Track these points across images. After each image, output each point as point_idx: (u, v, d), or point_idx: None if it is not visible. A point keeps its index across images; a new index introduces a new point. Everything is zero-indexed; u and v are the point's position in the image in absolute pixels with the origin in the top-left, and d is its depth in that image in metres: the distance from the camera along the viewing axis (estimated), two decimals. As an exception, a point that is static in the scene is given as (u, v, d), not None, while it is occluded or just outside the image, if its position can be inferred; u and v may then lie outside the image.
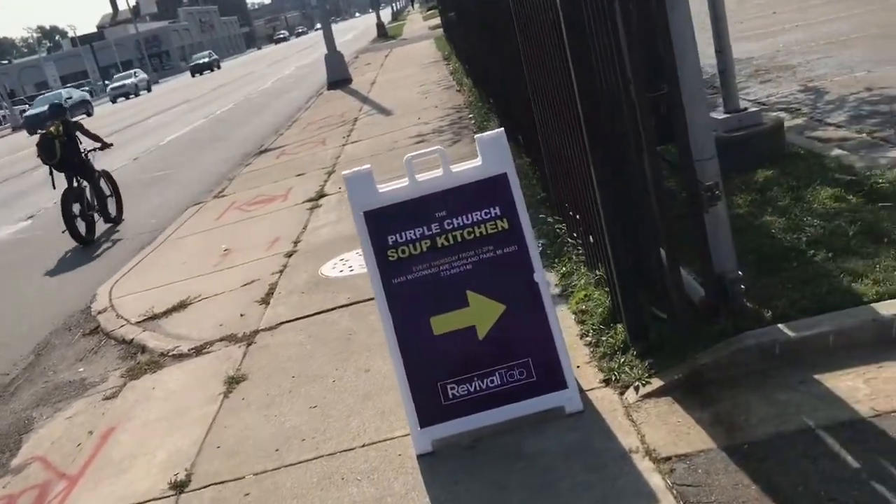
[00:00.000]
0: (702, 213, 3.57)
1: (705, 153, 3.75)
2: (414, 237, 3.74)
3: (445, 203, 3.74)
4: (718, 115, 6.15)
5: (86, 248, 10.64)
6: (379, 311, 3.74)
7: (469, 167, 3.77)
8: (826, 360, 3.53)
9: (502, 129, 3.86)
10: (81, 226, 10.77)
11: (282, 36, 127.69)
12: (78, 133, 11.10)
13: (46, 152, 10.86)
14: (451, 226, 3.73)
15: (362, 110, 17.09)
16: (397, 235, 3.74)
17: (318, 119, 17.62)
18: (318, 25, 27.57)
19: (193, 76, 69.82)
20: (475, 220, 3.73)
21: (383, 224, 3.74)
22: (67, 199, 10.60)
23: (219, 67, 72.30)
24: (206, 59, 73.94)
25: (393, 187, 3.78)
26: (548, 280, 5.24)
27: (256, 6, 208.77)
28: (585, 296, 4.64)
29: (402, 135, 12.52)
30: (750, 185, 5.47)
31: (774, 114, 7.84)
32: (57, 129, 10.88)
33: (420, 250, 3.73)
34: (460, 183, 3.75)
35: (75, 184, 10.95)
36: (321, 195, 9.69)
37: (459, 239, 3.73)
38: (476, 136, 3.81)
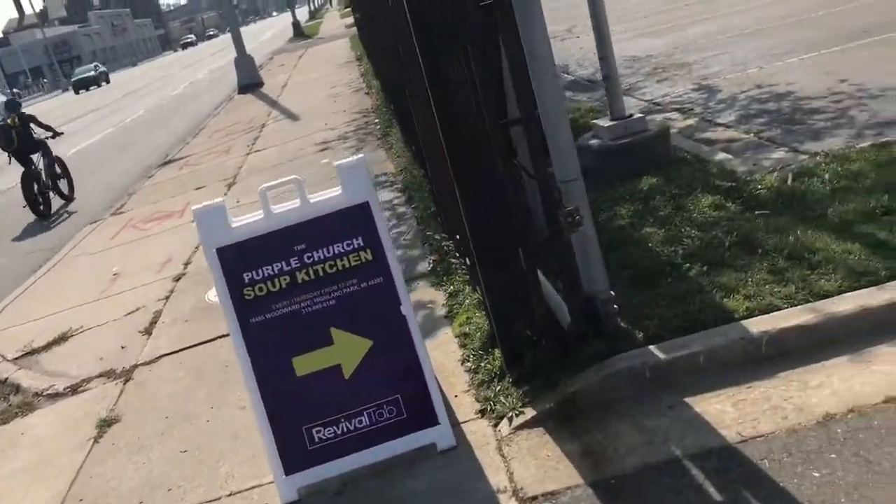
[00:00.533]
0: (563, 238, 3.46)
1: (569, 174, 3.64)
2: (272, 273, 3.54)
3: (304, 235, 3.55)
4: (605, 122, 6.11)
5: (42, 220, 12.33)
6: (237, 354, 3.53)
7: (328, 196, 3.59)
8: (696, 382, 3.47)
9: (363, 156, 3.69)
10: (39, 203, 12.44)
11: (189, 41, 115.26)
12: (32, 124, 12.78)
13: (5, 141, 12.54)
14: (311, 259, 3.55)
15: (271, 115, 16.71)
16: (254, 272, 3.53)
17: (226, 126, 17.16)
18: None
19: (77, 93, 57.69)
20: (337, 252, 3.56)
21: (238, 261, 3.53)
22: (27, 180, 12.31)
23: (107, 81, 61.71)
24: (92, 73, 61.41)
25: (247, 221, 3.57)
26: (435, 299, 5.13)
27: (172, 7, 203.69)
28: (467, 318, 4.52)
29: (308, 142, 12.25)
30: (634, 194, 5.43)
31: (665, 115, 7.89)
32: (13, 121, 12.53)
33: (279, 287, 3.53)
34: (319, 213, 3.56)
35: (32, 167, 12.56)
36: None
37: (321, 273, 3.54)
38: (336, 163, 3.63)
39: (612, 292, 3.85)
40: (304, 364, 3.52)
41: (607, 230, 5.04)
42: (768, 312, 3.66)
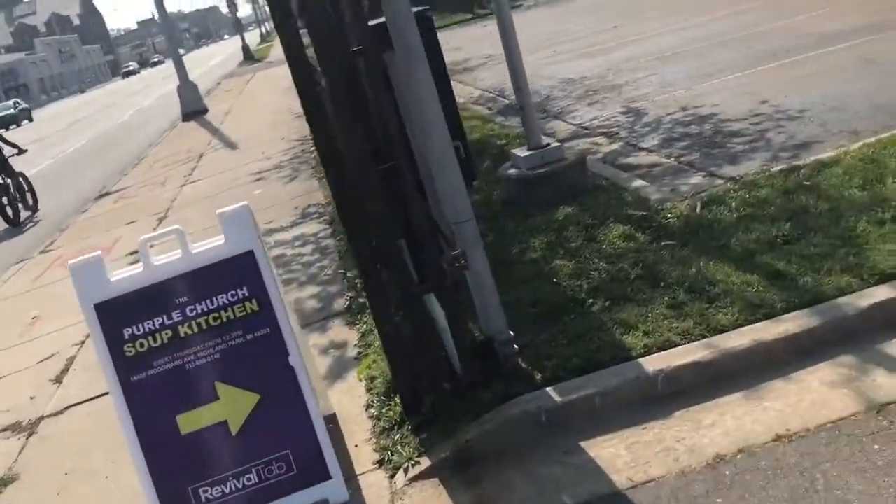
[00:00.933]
0: (447, 284, 3.39)
1: (461, 215, 3.58)
2: (153, 328, 3.40)
3: (186, 287, 3.42)
4: (522, 152, 6.07)
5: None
6: (117, 414, 3.38)
7: (211, 246, 3.47)
8: (592, 425, 3.41)
9: (246, 203, 3.58)
10: (9, 212, 13.45)
11: (130, 69, 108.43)
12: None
13: None
14: (194, 312, 3.42)
15: (210, 144, 16.50)
16: (134, 328, 3.39)
17: (166, 155, 16.90)
18: (181, 51, 26.17)
19: None
20: (221, 303, 3.43)
21: (117, 316, 3.39)
22: None
23: (30, 119, 53.24)
24: (11, 111, 51.98)
25: (126, 275, 3.44)
26: (348, 340, 5.02)
27: (122, 32, 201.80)
28: (374, 361, 4.42)
29: (244, 171, 12.09)
30: (549, 225, 5.38)
31: (592, 139, 7.91)
32: None
33: (161, 342, 3.40)
34: (202, 264, 3.44)
35: (1, 181, 13.39)
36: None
37: (204, 326, 3.42)
38: (217, 211, 3.52)
39: (511, 332, 3.79)
40: (189, 421, 3.38)
41: (520, 263, 4.99)
42: (665, 349, 3.62)
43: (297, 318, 5.44)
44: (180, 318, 3.41)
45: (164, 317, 3.40)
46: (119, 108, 40.29)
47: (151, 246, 3.53)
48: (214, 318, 3.42)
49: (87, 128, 34.11)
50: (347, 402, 4.25)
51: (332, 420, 4.16)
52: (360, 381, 4.38)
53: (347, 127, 3.29)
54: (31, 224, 13.76)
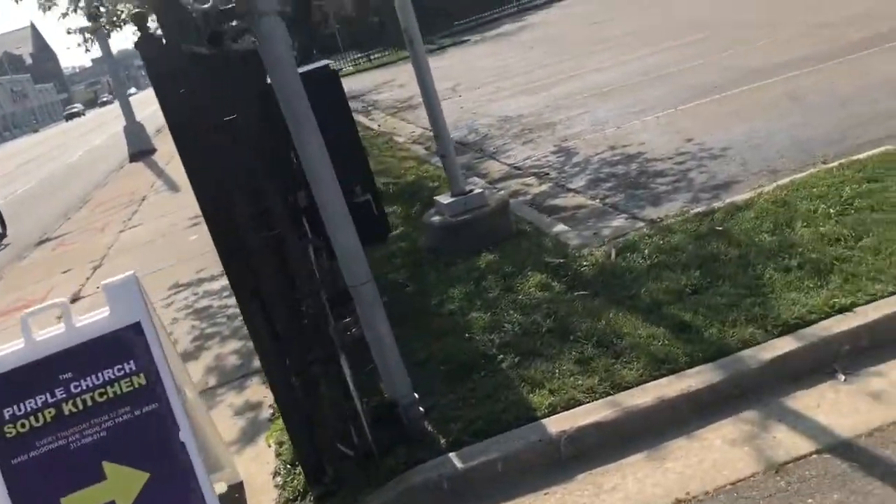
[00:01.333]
0: (336, 355, 3.31)
1: (359, 278, 3.51)
2: (35, 407, 3.25)
3: (70, 363, 3.29)
4: (445, 199, 6.03)
5: None
6: (-3, 500, 3.23)
7: (95, 319, 3.36)
8: (495, 490, 3.33)
9: (133, 272, 3.47)
10: None
11: (75, 110, 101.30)
12: None
13: None
14: (78, 389, 3.28)
15: (154, 187, 16.28)
16: (15, 407, 3.24)
17: (110, 198, 16.64)
18: (133, 90, 26.13)
19: None
20: (107, 379, 3.30)
21: (-3, 396, 3.25)
22: None
23: None
24: None
25: (6, 351, 3.29)
26: (263, 400, 4.89)
27: (77, 69, 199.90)
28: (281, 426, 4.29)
29: (183, 216, 11.90)
30: (470, 274, 5.33)
31: (523, 180, 7.91)
32: None
33: (44, 421, 3.25)
34: (86, 338, 3.31)
35: None
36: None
37: (90, 403, 3.28)
38: (102, 283, 3.41)
39: (415, 395, 3.70)
40: (75, 504, 3.24)
41: (438, 315, 4.92)
42: (570, 408, 3.56)
43: (205, 382, 5.31)
44: (64, 396, 3.27)
45: (48, 394, 3.26)
46: (69, 149, 39.74)
47: (58, 316, 3.43)
48: (100, 395, 3.29)
49: (36, 168, 33.58)
50: (255, 469, 4.12)
51: (238, 489, 4.03)
52: (270, 446, 4.26)
53: (232, 192, 3.21)
54: (2, 248, 14.68)
